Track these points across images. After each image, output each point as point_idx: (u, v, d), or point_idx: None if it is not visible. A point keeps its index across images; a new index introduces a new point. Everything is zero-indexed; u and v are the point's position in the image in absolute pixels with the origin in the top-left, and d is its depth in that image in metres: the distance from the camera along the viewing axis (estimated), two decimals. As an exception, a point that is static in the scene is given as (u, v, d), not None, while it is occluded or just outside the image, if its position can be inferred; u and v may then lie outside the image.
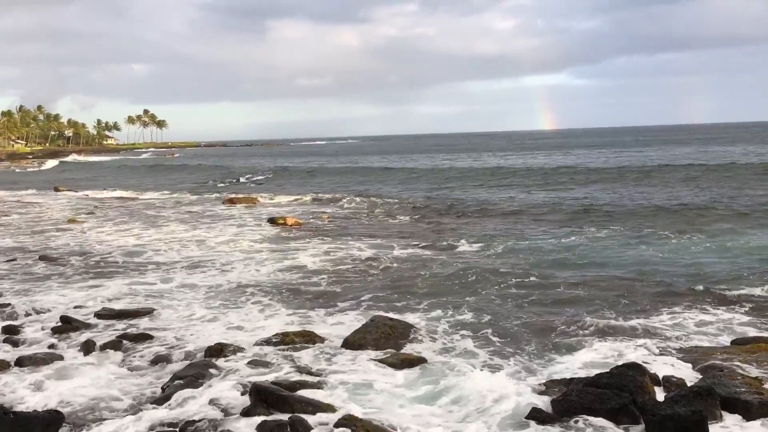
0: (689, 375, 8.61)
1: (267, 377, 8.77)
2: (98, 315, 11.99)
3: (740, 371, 8.47)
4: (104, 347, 10.33)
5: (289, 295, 13.83)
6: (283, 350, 9.93)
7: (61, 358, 9.86)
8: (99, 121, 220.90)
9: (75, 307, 12.76)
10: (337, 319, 12.11)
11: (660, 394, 7.81)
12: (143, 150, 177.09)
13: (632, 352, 9.75)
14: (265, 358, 9.57)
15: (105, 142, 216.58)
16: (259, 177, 57.42)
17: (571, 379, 8.38)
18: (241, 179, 56.34)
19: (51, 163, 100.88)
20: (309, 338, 10.35)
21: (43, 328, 11.28)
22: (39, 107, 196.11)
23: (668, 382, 8.20)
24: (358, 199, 34.50)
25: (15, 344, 10.58)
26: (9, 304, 12.77)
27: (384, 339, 10.20)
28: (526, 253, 18.02)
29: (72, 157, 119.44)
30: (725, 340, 10.37)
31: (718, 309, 12.04)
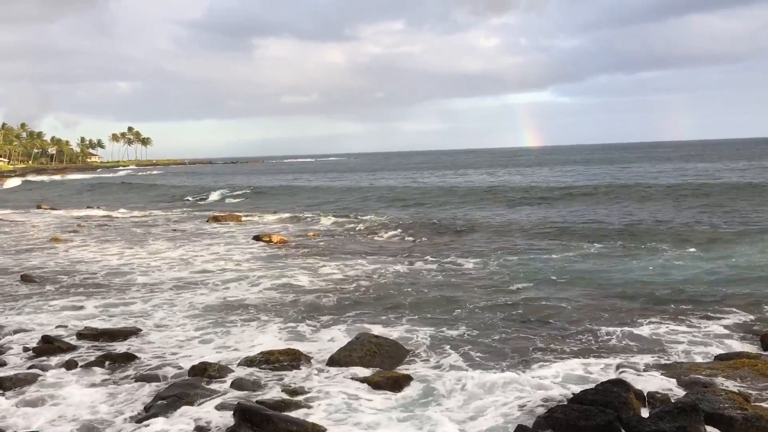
0: (673, 391, 8.65)
1: (252, 397, 8.72)
2: (81, 335, 11.86)
3: (724, 387, 8.52)
4: (86, 367, 10.22)
5: (274, 313, 13.76)
6: (268, 369, 9.88)
7: (42, 378, 9.73)
8: (83, 139, 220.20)
9: (57, 327, 12.62)
10: (322, 336, 12.06)
11: (645, 411, 7.84)
12: (122, 167, 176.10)
13: (616, 368, 9.79)
14: (249, 378, 9.51)
15: (89, 160, 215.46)
16: (236, 194, 57.30)
17: (555, 396, 8.39)
18: (212, 196, 56.28)
19: (12, 183, 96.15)
20: (294, 356, 10.30)
21: (24, 349, 11.13)
22: (22, 125, 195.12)
23: (653, 399, 8.23)
24: (342, 216, 34.50)
25: (-5, 365, 10.43)
26: (-11, 324, 12.61)
27: (369, 356, 10.17)
28: (514, 268, 18.10)
29: (38, 177, 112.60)
30: (709, 355, 10.43)
31: (702, 325, 12.13)
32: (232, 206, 46.73)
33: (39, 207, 47.33)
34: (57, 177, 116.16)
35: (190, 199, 55.68)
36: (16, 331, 12.35)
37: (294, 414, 8.05)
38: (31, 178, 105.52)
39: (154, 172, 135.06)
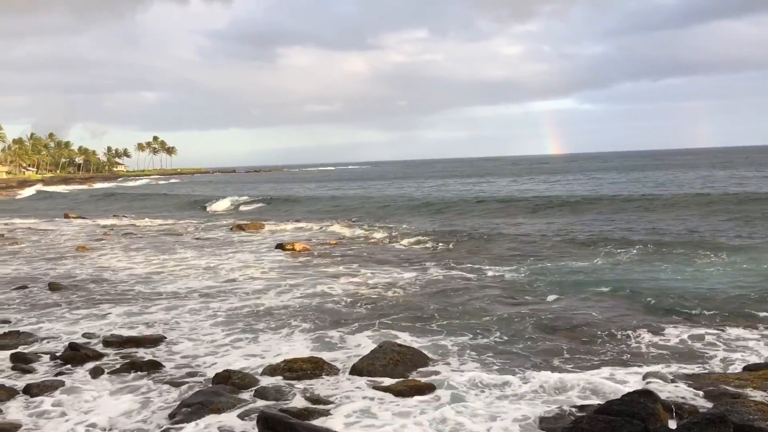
0: (701, 402, 8.51)
1: (275, 405, 8.74)
2: (107, 342, 11.99)
3: (753, 398, 8.37)
4: (112, 374, 10.34)
5: (297, 321, 13.79)
6: (291, 377, 9.90)
7: (68, 385, 9.84)
8: (109, 148, 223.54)
9: (83, 335, 12.76)
10: (346, 344, 12.06)
11: (672, 422, 7.72)
12: (132, 177, 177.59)
13: (644, 377, 9.67)
14: (273, 386, 9.54)
15: (115, 169, 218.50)
16: (253, 202, 57.51)
17: (582, 407, 8.30)
18: (222, 204, 56.70)
19: (27, 192, 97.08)
20: (317, 365, 10.30)
21: (51, 356, 11.28)
22: (50, 135, 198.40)
23: (680, 410, 8.10)
24: (364, 225, 34.55)
25: (23, 372, 10.59)
26: (18, 332, 12.80)
27: (393, 365, 10.15)
28: (540, 276, 17.95)
29: (51, 187, 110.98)
30: (737, 366, 10.26)
31: (732, 334, 11.93)
32: (249, 215, 46.86)
33: (66, 216, 48.01)
34: (84, 186, 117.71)
35: (209, 208, 56.04)
36: (43, 339, 12.54)
37: (317, 422, 8.05)
38: (43, 188, 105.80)
39: (174, 180, 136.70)
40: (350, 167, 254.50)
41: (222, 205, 57.03)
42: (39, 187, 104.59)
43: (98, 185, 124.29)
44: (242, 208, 54.45)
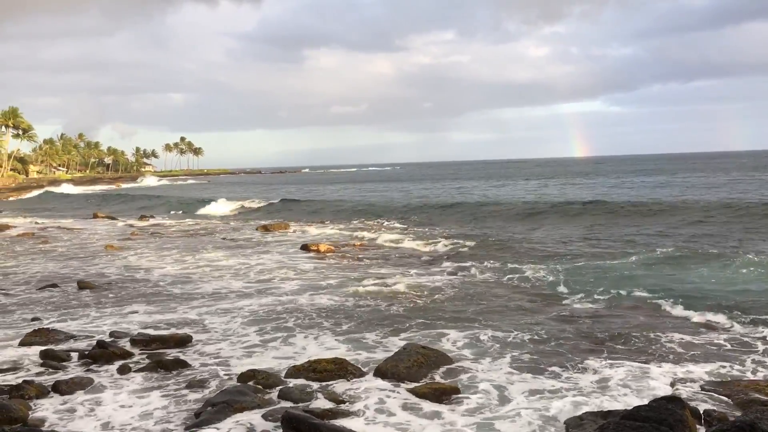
0: (731, 409, 8.37)
1: (298, 405, 8.77)
2: (134, 341, 12.13)
3: (785, 406, 8.20)
4: (139, 372, 10.46)
5: (322, 322, 13.83)
6: (315, 378, 9.92)
7: (97, 383, 9.98)
8: (138, 149, 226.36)
9: (111, 333, 12.92)
10: (370, 346, 12.05)
11: (701, 429, 7.60)
12: (162, 176, 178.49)
13: (672, 383, 9.53)
14: (297, 386, 9.58)
15: (143, 169, 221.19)
16: (258, 208, 54.13)
17: (609, 412, 8.20)
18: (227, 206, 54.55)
19: (35, 192, 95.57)
20: (341, 366, 10.31)
21: (80, 354, 11.43)
22: (80, 135, 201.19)
23: (709, 417, 7.98)
24: (386, 226, 34.55)
25: (53, 369, 10.75)
26: (48, 329, 13.00)
27: (416, 367, 10.13)
28: (570, 276, 17.72)
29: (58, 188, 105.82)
30: (766, 373, 10.08)
31: (759, 341, 11.71)
32: (267, 216, 46.64)
33: (95, 216, 48.71)
34: (104, 186, 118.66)
35: (204, 210, 53.67)
36: (72, 337, 12.71)
37: (340, 423, 8.06)
38: (51, 189, 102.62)
39: (190, 181, 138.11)
40: (370, 169, 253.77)
41: (221, 208, 54.68)
42: (49, 188, 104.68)
43: (128, 185, 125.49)
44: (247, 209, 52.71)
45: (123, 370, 10.51)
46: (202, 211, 53.61)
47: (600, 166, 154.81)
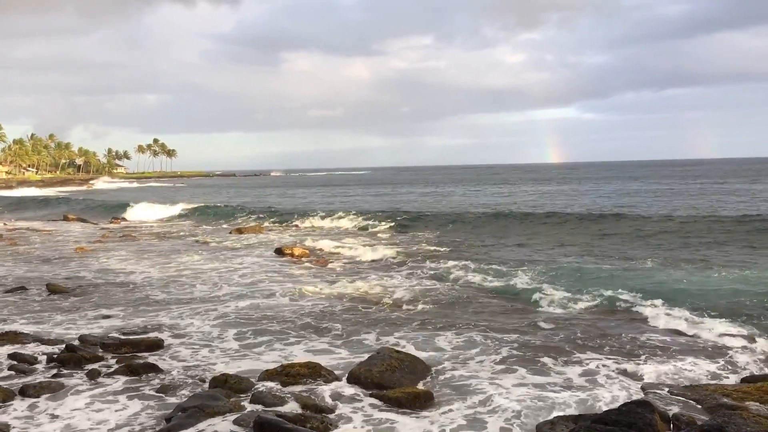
0: (698, 413, 8.49)
1: (271, 410, 8.72)
2: (104, 345, 11.96)
3: (751, 410, 8.35)
4: (109, 376, 10.31)
5: (297, 326, 13.77)
6: (288, 382, 9.87)
7: (65, 387, 9.83)
8: (109, 150, 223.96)
9: (81, 337, 12.72)
10: (345, 350, 12.04)
11: (669, 433, 7.70)
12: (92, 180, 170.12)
13: (642, 388, 9.66)
14: (269, 390, 9.52)
15: (115, 171, 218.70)
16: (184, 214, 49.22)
17: (580, 416, 8.28)
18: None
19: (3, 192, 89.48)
20: (314, 370, 10.28)
21: (48, 357, 11.25)
22: (50, 135, 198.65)
23: (678, 421, 8.09)
24: (359, 229, 34.53)
25: (20, 372, 10.56)
26: (15, 332, 12.77)
27: (390, 371, 10.11)
28: (543, 280, 17.88)
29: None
30: (735, 377, 10.25)
31: (729, 346, 11.90)
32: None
33: (66, 218, 47.98)
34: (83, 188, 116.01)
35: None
36: (41, 340, 12.50)
37: (312, 428, 8.03)
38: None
39: (151, 183, 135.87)
40: (339, 173, 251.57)
41: (138, 214, 50.71)
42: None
43: (73, 188, 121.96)
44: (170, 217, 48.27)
45: (92, 375, 10.36)
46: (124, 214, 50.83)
47: (573, 172, 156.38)
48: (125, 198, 71.35)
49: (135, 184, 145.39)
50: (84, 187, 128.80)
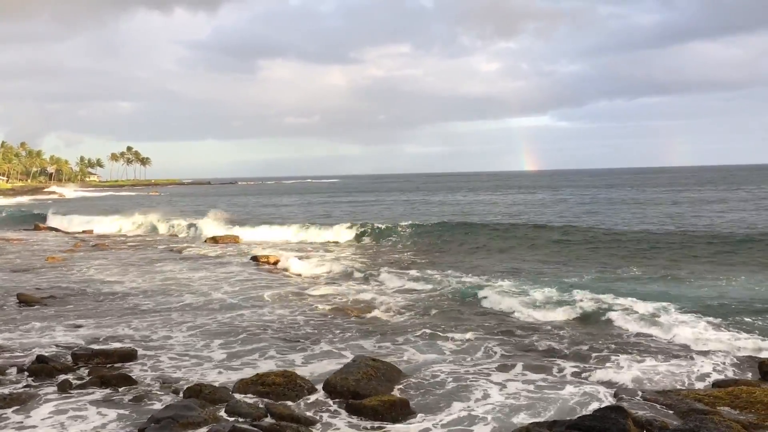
0: (671, 418, 8.59)
1: (245, 419, 8.65)
2: (76, 355, 11.77)
3: (722, 414, 8.47)
4: (81, 388, 10.16)
5: (273, 335, 13.70)
6: (264, 392, 9.81)
7: (35, 398, 9.66)
8: (82, 158, 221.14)
9: (52, 347, 12.54)
10: (321, 358, 11.99)
11: (643, 438, 7.78)
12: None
13: (615, 395, 9.75)
14: (244, 400, 9.45)
15: (87, 179, 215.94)
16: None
17: (554, 422, 8.33)
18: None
19: None
20: (290, 379, 10.22)
21: (18, 369, 11.05)
22: (22, 144, 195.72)
23: (651, 426, 8.18)
24: (331, 238, 34.52)
25: (-11, 385, 10.36)
26: (-16, 344, 12.53)
27: (366, 380, 10.10)
28: (523, 290, 17.96)
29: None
30: (707, 382, 10.39)
31: (701, 351, 12.07)
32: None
33: (37, 227, 47.23)
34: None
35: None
36: (11, 351, 12.28)
37: (289, 438, 7.98)
38: None
39: (108, 193, 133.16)
40: (309, 181, 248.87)
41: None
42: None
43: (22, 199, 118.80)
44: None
45: (63, 386, 10.19)
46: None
47: (547, 180, 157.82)
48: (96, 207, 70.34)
49: (108, 193, 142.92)
50: (55, 196, 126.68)
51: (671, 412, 8.89)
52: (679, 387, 10.14)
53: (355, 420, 8.88)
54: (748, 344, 12.22)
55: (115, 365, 11.44)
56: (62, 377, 10.60)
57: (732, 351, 11.95)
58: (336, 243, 32.91)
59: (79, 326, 14.68)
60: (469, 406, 9.36)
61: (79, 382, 10.45)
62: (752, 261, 22.26)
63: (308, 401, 9.55)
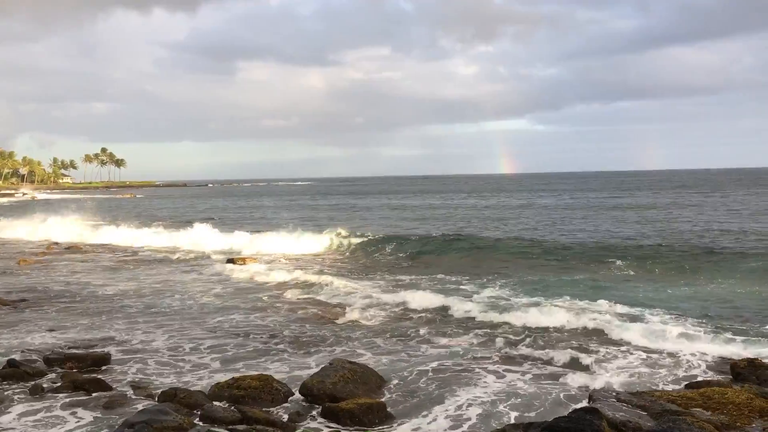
0: (645, 420, 8.67)
1: (221, 424, 8.57)
2: (48, 360, 11.60)
3: (695, 415, 8.58)
4: (53, 392, 10.00)
5: (249, 338, 13.62)
6: (240, 395, 9.73)
7: (5, 403, 9.49)
8: (55, 159, 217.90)
9: (24, 351, 12.33)
10: (296, 362, 11.95)
11: (617, 439, 7.84)
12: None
13: (589, 397, 9.81)
14: (220, 404, 9.37)
15: (61, 181, 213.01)
16: None
17: (530, 424, 8.37)
18: None
19: None
20: (266, 382, 10.15)
21: (-12, 374, 10.85)
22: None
23: (625, 427, 8.25)
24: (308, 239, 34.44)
25: (-42, 390, 10.16)
26: (-47, 348, 12.30)
27: (343, 383, 10.07)
28: (497, 294, 18.09)
29: None
30: (680, 384, 10.52)
31: (674, 353, 12.22)
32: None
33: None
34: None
35: None
36: (-20, 356, 12.05)
37: (265, 442, 7.92)
38: None
39: (70, 195, 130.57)
40: (280, 183, 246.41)
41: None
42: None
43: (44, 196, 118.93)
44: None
45: (35, 390, 10.03)
46: None
47: (522, 183, 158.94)
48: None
49: (69, 195, 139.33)
50: (28, 197, 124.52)
51: (645, 413, 8.97)
52: (652, 388, 10.25)
53: (333, 424, 8.85)
54: (721, 346, 12.42)
55: (90, 369, 11.28)
56: (34, 382, 10.43)
57: (705, 353, 12.12)
58: (307, 251, 32.48)
59: (53, 329, 14.47)
60: (447, 410, 9.38)
61: (51, 386, 10.30)
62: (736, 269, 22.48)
63: (285, 405, 9.50)
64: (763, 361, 10.89)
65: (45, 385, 10.28)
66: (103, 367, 11.47)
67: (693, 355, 12.04)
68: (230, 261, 25.66)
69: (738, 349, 12.10)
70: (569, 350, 12.44)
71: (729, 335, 13.01)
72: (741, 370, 10.68)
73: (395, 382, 10.71)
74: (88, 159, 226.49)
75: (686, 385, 10.28)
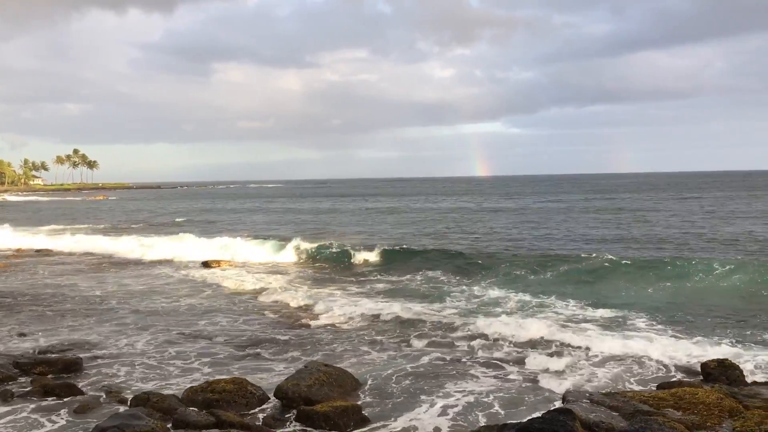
0: (618, 420, 8.76)
1: (195, 428, 8.49)
2: (18, 364, 11.40)
3: (667, 415, 8.68)
4: (24, 397, 9.84)
5: (222, 341, 13.51)
6: (214, 399, 9.65)
7: (-26, 410, 9.32)
8: (26, 161, 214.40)
9: (-8, 356, 12.11)
10: (271, 366, 11.89)
11: (590, 439, 7.91)
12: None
13: (563, 397, 9.89)
14: (194, 408, 9.28)
15: (32, 183, 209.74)
16: None
17: (504, 425, 8.41)
18: None
19: None
20: (240, 385, 10.08)
21: (-44, 379, 10.64)
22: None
23: (597, 427, 8.32)
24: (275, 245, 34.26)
25: (-76, 396, 9.95)
26: None
27: (318, 385, 10.04)
28: (461, 301, 18.18)
29: None
30: (651, 384, 10.65)
31: (645, 354, 12.36)
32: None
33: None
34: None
35: None
36: (-52, 360, 11.80)
37: (239, 445, 7.87)
38: None
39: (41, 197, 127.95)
40: (251, 186, 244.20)
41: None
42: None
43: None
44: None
45: (4, 396, 9.86)
46: None
47: (485, 186, 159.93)
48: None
49: (40, 197, 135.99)
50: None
51: (617, 413, 9.06)
52: (625, 389, 10.36)
53: (308, 428, 8.81)
54: (691, 347, 12.60)
55: (60, 374, 11.12)
56: (3, 387, 10.25)
57: (676, 353, 12.29)
58: (280, 257, 32.11)
59: (23, 334, 14.24)
60: (422, 413, 9.39)
61: (21, 391, 10.13)
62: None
63: (259, 408, 9.44)
64: (732, 361, 11.07)
65: (15, 390, 10.11)
66: (76, 372, 11.30)
67: (664, 356, 12.19)
68: (205, 265, 25.45)
69: (708, 350, 12.28)
70: (543, 354, 12.53)
71: (700, 336, 13.21)
72: (711, 371, 10.84)
73: (370, 384, 10.70)
74: (59, 160, 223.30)
75: (658, 386, 10.40)
